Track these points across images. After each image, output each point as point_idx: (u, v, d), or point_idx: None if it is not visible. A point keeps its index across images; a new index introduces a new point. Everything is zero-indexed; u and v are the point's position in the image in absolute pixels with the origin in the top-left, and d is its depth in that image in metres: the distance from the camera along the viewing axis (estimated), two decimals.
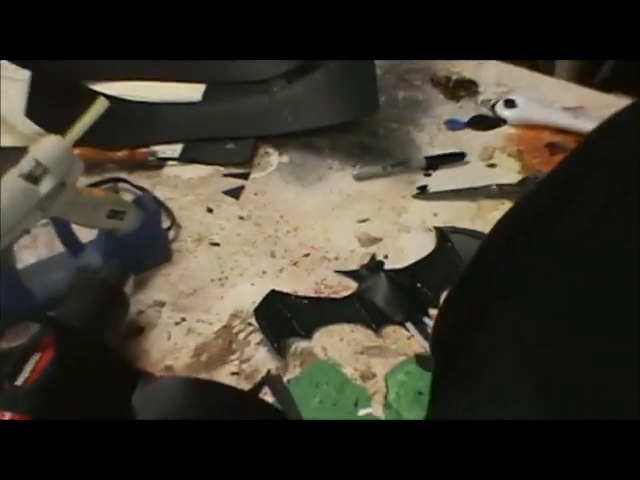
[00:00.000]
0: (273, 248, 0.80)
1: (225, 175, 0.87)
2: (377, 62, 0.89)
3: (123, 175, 0.86)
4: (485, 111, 0.97)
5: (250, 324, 0.76)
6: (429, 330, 0.73)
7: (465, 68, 1.04)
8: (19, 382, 0.65)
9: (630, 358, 0.39)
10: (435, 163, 0.86)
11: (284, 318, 0.76)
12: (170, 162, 0.88)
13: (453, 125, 0.93)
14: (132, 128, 0.86)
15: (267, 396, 0.70)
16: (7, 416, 0.63)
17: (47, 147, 0.71)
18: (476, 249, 0.51)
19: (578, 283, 0.43)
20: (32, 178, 0.70)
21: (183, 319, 0.74)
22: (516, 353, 0.44)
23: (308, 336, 0.75)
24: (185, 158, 0.87)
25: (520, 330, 0.45)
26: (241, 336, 0.75)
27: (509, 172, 0.87)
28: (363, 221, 0.83)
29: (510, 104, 0.95)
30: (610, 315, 0.40)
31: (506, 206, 0.84)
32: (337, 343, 0.74)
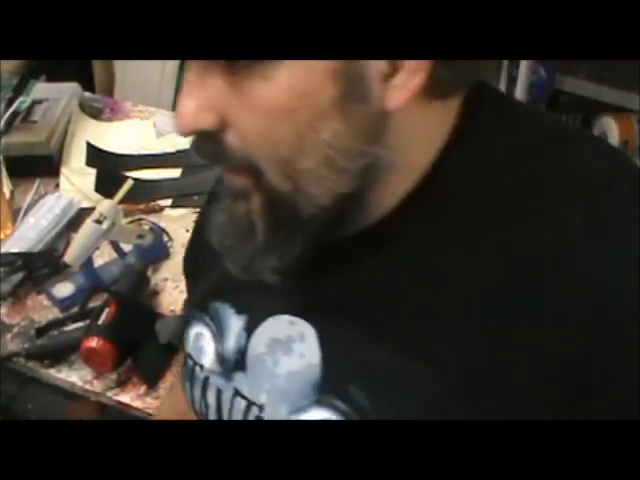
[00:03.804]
0: None
1: (194, 213, 1.29)
2: None
3: (143, 216, 1.31)
4: None
5: None
6: None
7: None
8: (100, 321, 1.04)
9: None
10: None
11: None
12: (166, 208, 1.34)
13: None
14: (146, 192, 1.32)
15: None
16: (95, 340, 1.01)
17: (105, 205, 1.10)
18: None
19: None
20: (98, 221, 1.08)
21: (177, 286, 1.17)
22: None
23: None
24: (173, 205, 1.34)
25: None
26: None
27: None
28: None
29: None
30: None
31: None
32: None
